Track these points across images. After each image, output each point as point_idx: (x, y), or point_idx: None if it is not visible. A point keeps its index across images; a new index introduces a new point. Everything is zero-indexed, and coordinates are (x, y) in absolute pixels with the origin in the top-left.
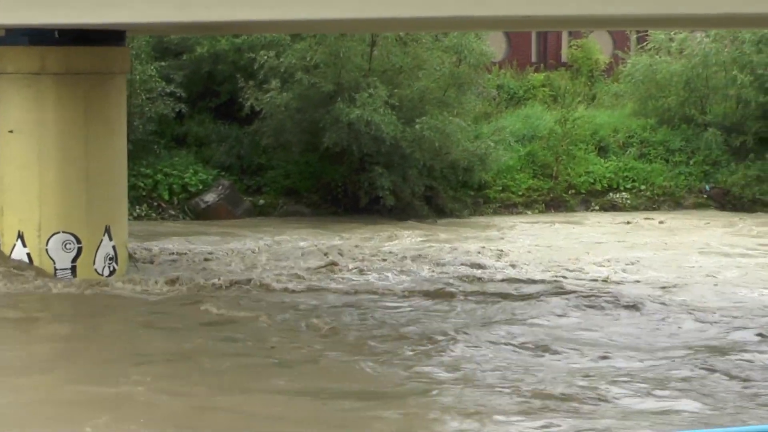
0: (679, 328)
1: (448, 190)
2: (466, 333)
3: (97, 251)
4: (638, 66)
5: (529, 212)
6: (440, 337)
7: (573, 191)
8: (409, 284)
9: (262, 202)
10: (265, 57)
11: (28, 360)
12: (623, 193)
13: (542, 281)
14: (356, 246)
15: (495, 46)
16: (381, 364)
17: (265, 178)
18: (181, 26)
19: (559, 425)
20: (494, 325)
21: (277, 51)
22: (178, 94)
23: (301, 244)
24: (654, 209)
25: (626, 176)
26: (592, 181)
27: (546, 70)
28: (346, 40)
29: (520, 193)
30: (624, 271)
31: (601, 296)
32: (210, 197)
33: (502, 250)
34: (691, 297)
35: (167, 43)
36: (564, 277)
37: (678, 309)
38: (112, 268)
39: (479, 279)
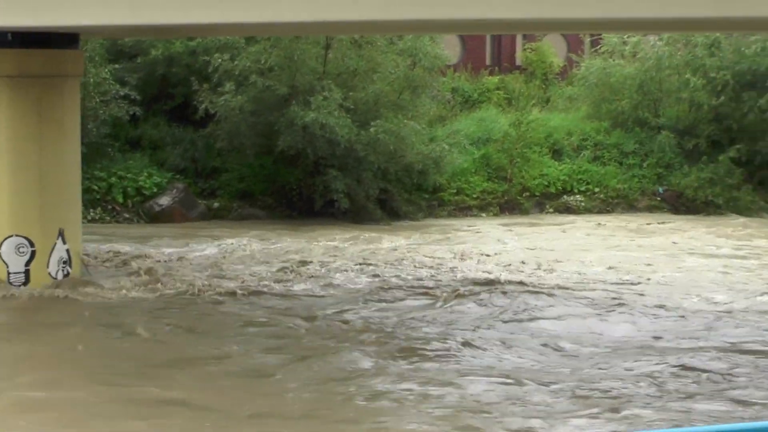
0: (723, 327)
1: (402, 193)
2: (499, 333)
3: (50, 255)
4: (592, 69)
5: (483, 215)
6: (476, 338)
7: (527, 194)
8: (420, 285)
9: (216, 205)
10: (220, 60)
11: (65, 364)
12: (577, 196)
13: (553, 285)
14: (335, 248)
15: (449, 49)
16: (431, 362)
17: (220, 181)
18: (135, 29)
19: (623, 423)
20: (521, 326)
21: (231, 54)
22: (133, 97)
23: (278, 246)
24: (608, 212)
25: (580, 179)
26: (546, 183)
27: (500, 73)
28: (300, 42)
29: (474, 195)
30: (628, 272)
31: (622, 296)
32: (164, 200)
33: (490, 253)
34: (722, 297)
35: (121, 46)
36: (571, 278)
37: (716, 309)
38: (65, 272)
39: (487, 281)
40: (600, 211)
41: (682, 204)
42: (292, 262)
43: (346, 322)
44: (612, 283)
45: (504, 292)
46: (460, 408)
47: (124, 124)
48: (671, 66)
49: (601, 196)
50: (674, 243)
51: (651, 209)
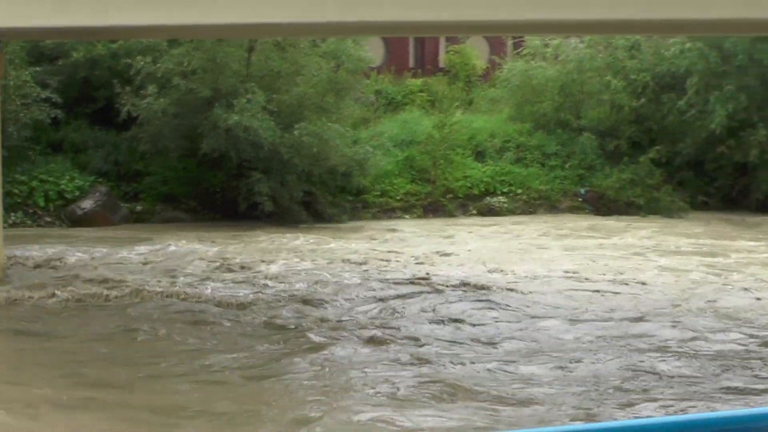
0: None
1: (326, 196)
2: (509, 331)
3: None
4: (514, 71)
5: (407, 217)
6: (492, 337)
7: (451, 195)
8: (397, 284)
9: (139, 208)
10: (142, 62)
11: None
12: (500, 197)
13: (550, 286)
14: (283, 249)
15: (373, 51)
16: (448, 360)
17: (143, 184)
18: (56, 31)
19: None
20: (535, 325)
21: (154, 56)
22: (54, 100)
23: (223, 249)
24: (530, 213)
25: (503, 180)
26: (469, 185)
27: (424, 76)
28: (223, 45)
29: (398, 197)
30: (626, 273)
31: (631, 297)
32: (87, 204)
33: (450, 253)
34: (734, 295)
35: (42, 48)
36: (564, 278)
37: (736, 307)
38: None
39: (466, 280)
40: (523, 212)
41: (603, 205)
42: (253, 264)
43: (341, 320)
44: (616, 283)
45: (493, 292)
46: (496, 401)
47: (46, 127)
48: (592, 68)
49: (524, 197)
50: (630, 243)
51: (573, 210)
